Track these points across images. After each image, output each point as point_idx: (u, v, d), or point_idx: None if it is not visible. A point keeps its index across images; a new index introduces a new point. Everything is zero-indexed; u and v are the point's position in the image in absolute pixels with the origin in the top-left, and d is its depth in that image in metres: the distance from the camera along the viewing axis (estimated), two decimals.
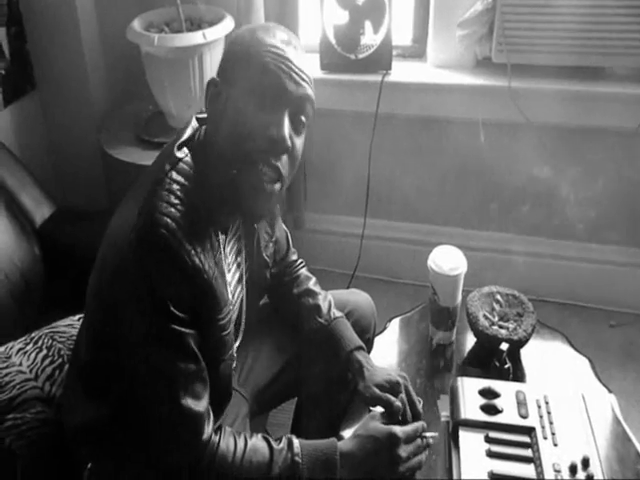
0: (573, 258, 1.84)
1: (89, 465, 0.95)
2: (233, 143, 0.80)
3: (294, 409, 1.27)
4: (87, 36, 1.67)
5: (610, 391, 1.11)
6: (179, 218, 0.77)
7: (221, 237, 0.87)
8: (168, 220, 0.76)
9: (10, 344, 1.02)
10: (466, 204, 1.85)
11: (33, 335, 1.05)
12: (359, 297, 1.20)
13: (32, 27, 1.64)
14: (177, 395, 0.79)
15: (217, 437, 0.84)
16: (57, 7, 1.62)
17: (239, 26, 1.67)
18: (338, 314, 1.09)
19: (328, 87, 1.80)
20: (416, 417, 0.99)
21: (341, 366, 1.05)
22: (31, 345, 1.02)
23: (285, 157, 0.81)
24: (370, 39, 1.72)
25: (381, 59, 1.73)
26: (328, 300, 1.10)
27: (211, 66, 1.54)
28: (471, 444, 0.96)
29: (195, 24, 1.61)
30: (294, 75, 0.81)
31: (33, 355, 1.00)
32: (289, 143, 0.80)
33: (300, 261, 1.16)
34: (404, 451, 0.88)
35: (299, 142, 0.83)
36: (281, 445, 0.86)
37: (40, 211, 1.26)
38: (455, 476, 0.93)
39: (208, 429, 0.83)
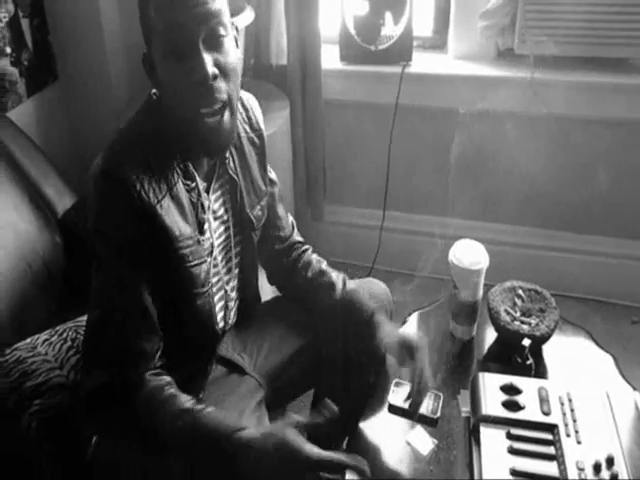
0: (595, 252, 1.81)
1: (94, 440, 0.97)
2: (173, 101, 0.84)
3: (311, 401, 1.27)
4: (108, 27, 1.67)
5: (635, 389, 1.10)
6: (128, 151, 0.85)
7: (200, 182, 0.92)
8: (115, 152, 0.85)
9: (35, 336, 1.04)
10: (487, 197, 1.83)
11: (58, 328, 1.06)
12: (375, 285, 1.20)
13: (54, 19, 1.65)
14: (121, 330, 0.85)
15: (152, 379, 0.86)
16: None
17: (259, 17, 1.67)
18: (353, 286, 1.10)
19: (347, 78, 1.79)
20: (424, 387, 0.97)
21: (361, 330, 1.05)
22: (56, 337, 1.04)
23: (218, 82, 0.82)
24: (390, 30, 1.71)
25: (401, 50, 1.72)
26: (342, 277, 1.12)
27: None
28: (492, 440, 0.95)
29: None
30: (187, 4, 0.79)
31: (58, 346, 1.02)
32: (214, 70, 0.81)
33: (308, 247, 1.17)
34: (312, 472, 0.82)
35: (225, 54, 0.83)
36: (198, 407, 0.84)
37: (62, 201, 1.27)
38: (476, 472, 0.93)
39: (142, 367, 0.85)
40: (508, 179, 1.79)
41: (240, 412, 0.97)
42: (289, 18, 1.67)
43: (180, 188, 0.88)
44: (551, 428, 0.96)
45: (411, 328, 1.25)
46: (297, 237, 1.17)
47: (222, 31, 0.83)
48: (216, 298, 1.00)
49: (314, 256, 1.16)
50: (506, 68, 1.68)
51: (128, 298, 0.85)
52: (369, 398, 1.09)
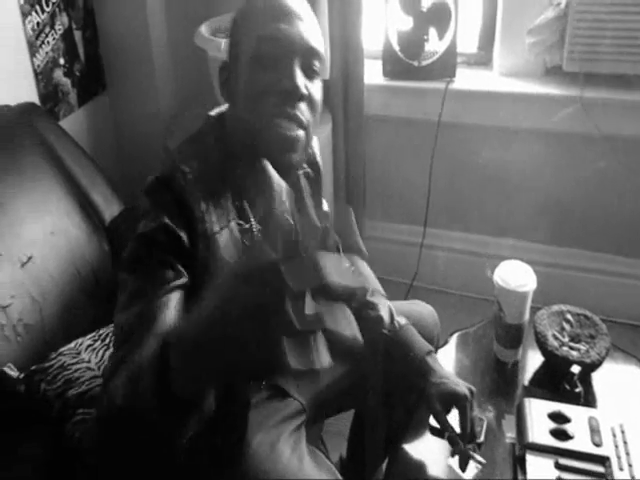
0: None
1: None
2: (249, 108, 0.81)
3: (352, 419, 1.25)
4: (156, 41, 1.71)
5: None
6: (196, 171, 0.81)
7: (255, 225, 0.86)
8: (186, 167, 0.80)
9: (80, 340, 1.05)
10: (532, 217, 1.79)
11: (101, 332, 1.08)
12: (422, 309, 1.18)
13: (104, 31, 1.70)
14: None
15: None
16: (128, 12, 1.66)
17: None
18: (403, 322, 1.07)
19: (390, 94, 1.79)
20: (472, 439, 0.96)
21: (412, 374, 1.03)
22: (99, 342, 1.05)
23: (303, 105, 0.81)
24: (434, 46, 1.70)
25: (445, 66, 1.71)
26: (388, 309, 1.09)
27: None
28: (539, 470, 0.92)
29: None
30: (294, 23, 0.80)
31: (101, 353, 1.03)
32: (303, 90, 0.80)
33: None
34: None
35: (314, 88, 0.83)
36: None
37: (109, 209, 1.29)
38: None
39: None
40: (554, 199, 1.75)
41: (279, 434, 0.94)
42: (332, 33, 1.68)
43: (233, 227, 0.83)
44: (603, 460, 0.92)
45: (451, 350, 1.23)
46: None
47: (317, 67, 0.83)
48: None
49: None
50: (554, 85, 1.65)
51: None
52: (411, 419, 1.07)
